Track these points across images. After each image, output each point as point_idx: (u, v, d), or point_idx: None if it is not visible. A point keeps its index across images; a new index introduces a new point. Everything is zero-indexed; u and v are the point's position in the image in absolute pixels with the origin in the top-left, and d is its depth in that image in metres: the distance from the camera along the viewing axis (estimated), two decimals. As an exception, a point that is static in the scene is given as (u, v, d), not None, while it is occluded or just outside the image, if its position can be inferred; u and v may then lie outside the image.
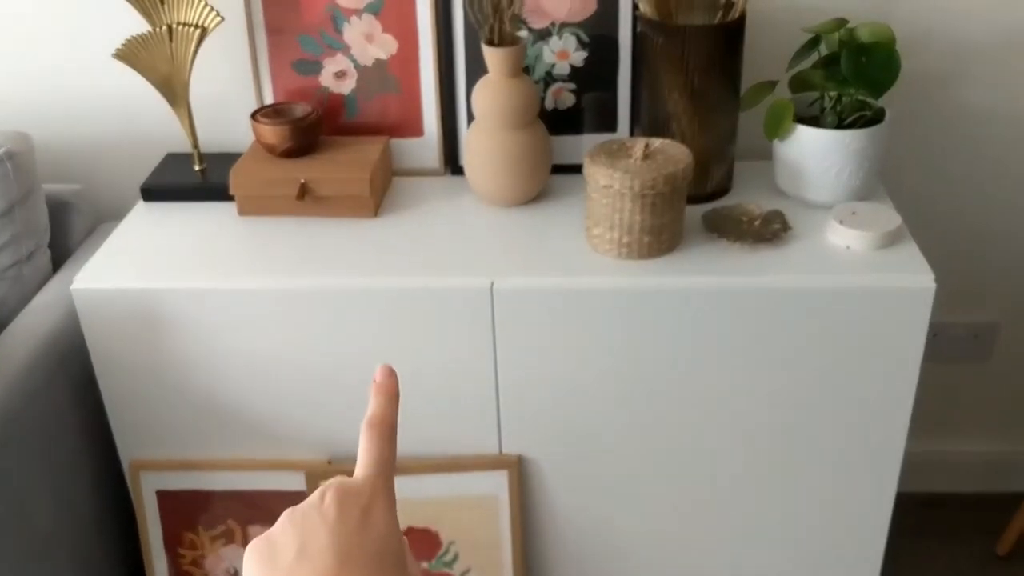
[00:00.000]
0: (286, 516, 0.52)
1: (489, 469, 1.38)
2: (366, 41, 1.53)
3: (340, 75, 1.55)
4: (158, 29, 1.42)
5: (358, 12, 1.51)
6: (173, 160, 1.60)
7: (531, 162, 1.44)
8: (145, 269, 1.36)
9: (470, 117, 1.55)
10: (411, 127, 1.57)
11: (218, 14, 1.41)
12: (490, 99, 1.42)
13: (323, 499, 0.51)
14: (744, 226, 1.38)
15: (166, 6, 1.42)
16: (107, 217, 1.68)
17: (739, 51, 1.40)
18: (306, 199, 1.44)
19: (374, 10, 1.51)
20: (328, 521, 0.50)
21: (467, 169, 1.48)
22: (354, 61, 1.54)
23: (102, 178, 1.69)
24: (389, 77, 1.55)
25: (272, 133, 1.46)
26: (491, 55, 1.39)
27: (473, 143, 1.46)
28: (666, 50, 1.39)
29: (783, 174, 1.44)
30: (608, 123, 1.55)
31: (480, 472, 1.39)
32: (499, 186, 1.45)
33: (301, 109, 1.51)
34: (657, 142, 1.36)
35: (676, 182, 1.30)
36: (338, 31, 1.52)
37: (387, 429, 0.55)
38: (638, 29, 1.44)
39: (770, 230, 1.36)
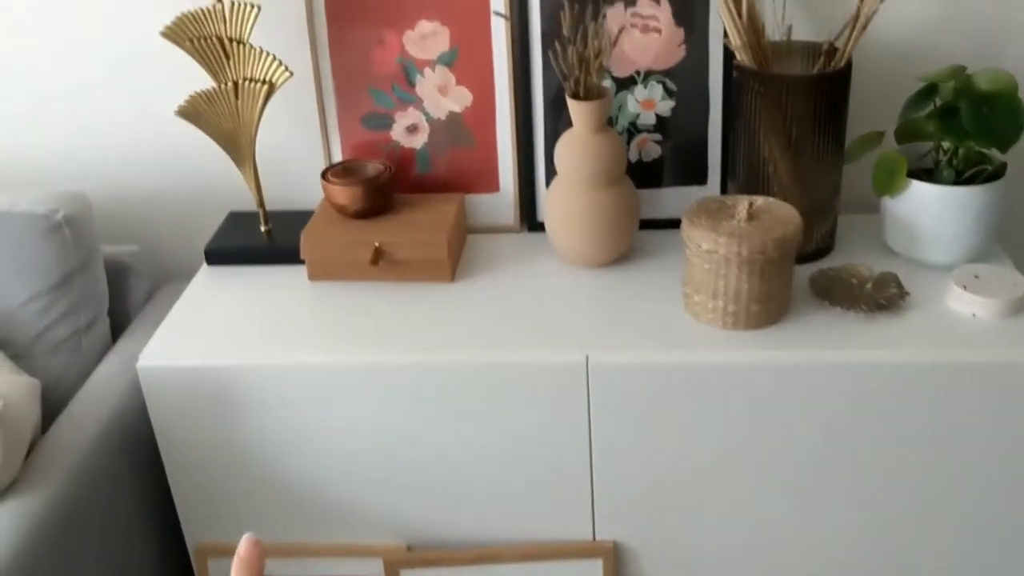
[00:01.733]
0: None
1: (582, 557, 1.28)
2: (439, 94, 1.44)
3: (412, 129, 1.47)
4: (223, 85, 1.34)
5: (431, 64, 1.43)
6: (236, 220, 1.52)
7: (619, 221, 1.35)
8: (212, 344, 1.28)
9: (548, 171, 1.46)
10: (486, 182, 1.49)
11: (287, 69, 1.33)
12: (575, 155, 1.32)
13: None
14: (855, 290, 1.27)
15: (232, 61, 1.34)
16: (167, 279, 1.61)
17: (844, 101, 1.29)
18: (380, 263, 1.36)
19: (448, 61, 1.42)
20: None
21: (549, 227, 1.39)
22: (427, 114, 1.46)
23: (161, 238, 1.61)
24: (463, 130, 1.46)
25: (344, 194, 1.37)
26: (576, 109, 1.30)
27: (556, 200, 1.36)
28: (764, 100, 1.29)
29: (894, 232, 1.34)
30: (697, 176, 1.45)
31: (572, 561, 1.29)
32: (585, 246, 1.36)
33: (373, 167, 1.43)
34: (760, 200, 1.26)
35: (786, 246, 1.20)
36: (410, 84, 1.44)
37: None
38: (733, 78, 1.35)
39: (885, 295, 1.26)
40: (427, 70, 1.43)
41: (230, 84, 1.34)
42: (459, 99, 1.44)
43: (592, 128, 1.31)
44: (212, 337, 1.29)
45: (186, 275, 1.59)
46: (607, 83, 1.39)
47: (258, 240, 1.47)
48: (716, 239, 1.19)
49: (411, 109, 1.45)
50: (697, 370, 1.19)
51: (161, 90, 1.49)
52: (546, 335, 1.25)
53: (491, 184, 1.49)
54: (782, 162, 1.32)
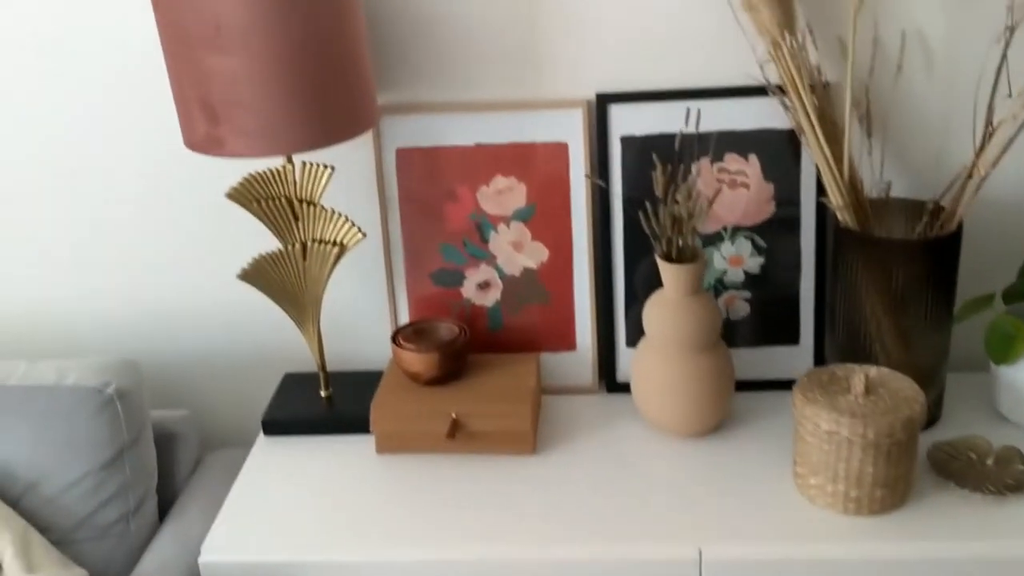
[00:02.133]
0: None
1: None
2: (514, 250, 1.36)
3: (484, 286, 1.38)
4: (291, 247, 1.26)
5: (506, 220, 1.35)
6: (294, 383, 1.42)
7: (715, 388, 1.25)
8: (277, 533, 1.17)
9: (629, 330, 1.37)
10: (562, 340, 1.40)
11: (360, 230, 1.25)
12: (667, 319, 1.24)
13: None
14: (977, 467, 1.18)
15: (301, 222, 1.26)
16: (215, 445, 1.50)
17: (955, 264, 1.22)
18: (456, 436, 1.26)
19: (524, 217, 1.35)
20: None
21: (637, 393, 1.30)
22: (500, 271, 1.38)
23: (210, 401, 1.51)
24: (538, 287, 1.38)
25: (419, 361, 1.28)
26: (669, 271, 1.22)
27: (645, 365, 1.27)
28: (868, 261, 1.21)
29: (1009, 399, 1.25)
30: (789, 335, 1.37)
31: None
32: (677, 414, 1.26)
33: (447, 329, 1.34)
34: (873, 371, 1.17)
35: (913, 427, 1.10)
36: (484, 240, 1.36)
37: None
38: (832, 236, 1.27)
39: (1011, 473, 1.16)
40: (501, 226, 1.36)
41: (298, 246, 1.26)
42: (534, 255, 1.36)
43: (685, 291, 1.23)
44: (276, 525, 1.18)
45: (236, 441, 1.49)
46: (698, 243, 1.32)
47: (318, 407, 1.37)
48: (838, 419, 1.09)
49: (483, 265, 1.37)
50: (822, 565, 1.09)
51: (217, 250, 1.41)
52: (647, 522, 1.14)
53: (567, 342, 1.40)
54: (886, 324, 1.23)
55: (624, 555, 1.10)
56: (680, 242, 1.23)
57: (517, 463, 1.26)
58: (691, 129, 1.24)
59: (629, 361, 1.38)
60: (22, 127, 1.37)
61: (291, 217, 1.26)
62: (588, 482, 1.22)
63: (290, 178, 1.25)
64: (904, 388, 1.14)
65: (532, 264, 1.37)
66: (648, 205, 1.23)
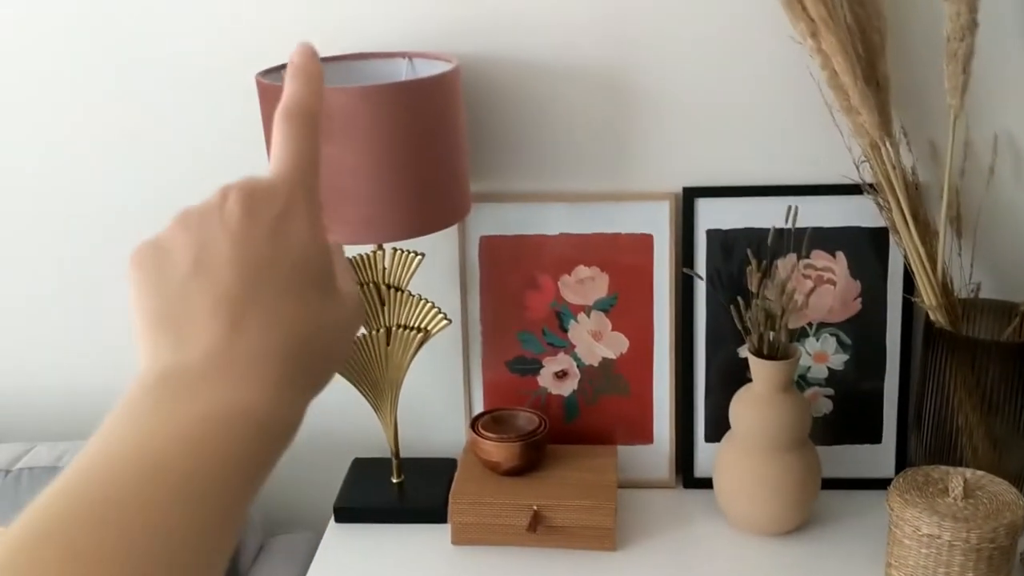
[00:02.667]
0: (178, 217, 0.42)
1: None
2: (593, 339, 1.35)
3: (561, 375, 1.37)
4: (375, 332, 1.25)
5: (587, 309, 1.35)
6: (364, 469, 1.40)
7: (800, 486, 1.23)
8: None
9: (708, 425, 1.35)
10: (639, 433, 1.38)
11: (445, 316, 1.25)
12: (756, 415, 1.22)
13: (225, 201, 0.41)
14: (1078, 577, 1.14)
15: (387, 307, 1.26)
16: (278, 530, 1.47)
17: (1050, 365, 1.21)
18: (537, 529, 1.23)
19: (605, 307, 1.34)
20: (230, 228, 0.40)
21: (720, 490, 1.27)
22: (578, 360, 1.36)
23: (277, 485, 1.47)
24: (616, 378, 1.36)
25: (500, 451, 1.26)
26: (761, 367, 1.21)
27: (729, 461, 1.25)
28: (959, 362, 1.20)
29: (1106, 507, 1.22)
30: (871, 434, 1.35)
31: None
32: (764, 513, 1.24)
33: (527, 419, 1.32)
34: (970, 473, 1.15)
35: (1016, 531, 1.08)
36: (563, 329, 1.35)
37: (308, 118, 0.44)
38: (923, 336, 1.27)
39: (1114, 584, 1.13)
40: (582, 315, 1.35)
41: (382, 331, 1.26)
42: (614, 345, 1.35)
43: (777, 387, 1.21)
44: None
45: (299, 526, 1.46)
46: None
47: (390, 495, 1.34)
48: (940, 523, 1.07)
49: (561, 354, 1.36)
50: (927, 677, 1.05)
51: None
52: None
53: (644, 435, 1.38)
54: (977, 426, 1.21)
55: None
56: (771, 337, 1.22)
57: (598, 559, 1.23)
58: (788, 224, 1.24)
59: (707, 456, 1.36)
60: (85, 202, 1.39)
61: (378, 302, 1.26)
62: (673, 581, 1.19)
63: (379, 264, 1.25)
64: (1003, 492, 1.12)
65: (611, 354, 1.36)
66: (740, 300, 1.23)
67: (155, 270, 0.41)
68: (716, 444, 1.33)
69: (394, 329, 1.26)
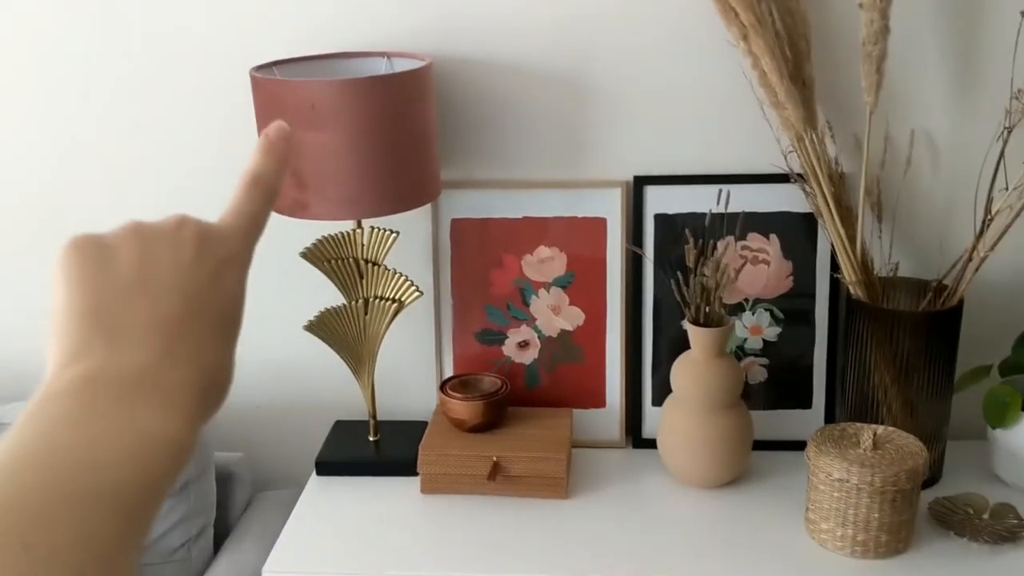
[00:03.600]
0: (131, 226, 0.43)
1: None
2: (552, 313, 1.50)
3: (523, 345, 1.52)
4: (354, 303, 1.40)
5: (547, 285, 1.49)
6: (344, 429, 1.54)
7: (734, 444, 1.37)
8: (330, 564, 1.28)
9: (655, 390, 1.50)
10: (593, 398, 1.52)
11: (417, 289, 1.39)
12: (694, 378, 1.37)
13: (180, 229, 0.44)
14: (975, 520, 1.29)
15: (365, 280, 1.40)
16: (265, 486, 1.61)
17: (956, 337, 1.35)
18: (496, 478, 1.37)
19: (563, 283, 1.49)
20: (181, 256, 0.43)
21: (663, 447, 1.42)
22: (538, 332, 1.51)
23: (264, 444, 1.62)
24: (573, 348, 1.51)
25: (464, 408, 1.40)
26: (698, 335, 1.36)
27: (672, 421, 1.40)
28: (877, 333, 1.34)
29: (1005, 461, 1.37)
30: (802, 400, 1.49)
31: None
32: (699, 467, 1.38)
33: (490, 382, 1.46)
34: (880, 429, 1.29)
35: (916, 477, 1.22)
36: (525, 303, 1.50)
37: (268, 189, 0.48)
38: (844, 309, 1.41)
39: (1006, 526, 1.27)
40: (542, 291, 1.49)
41: (360, 301, 1.40)
42: (571, 318, 1.50)
43: (712, 353, 1.36)
44: (329, 556, 1.29)
45: (286, 483, 1.60)
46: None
47: (367, 451, 1.49)
48: (848, 468, 1.21)
49: (524, 326, 1.51)
50: (834, 603, 1.19)
51: (282, 305, 1.54)
52: (669, 564, 1.25)
53: (598, 400, 1.52)
54: (893, 391, 1.36)
55: (653, 588, 1.21)
56: (707, 309, 1.36)
57: (551, 506, 1.37)
58: (720, 208, 1.39)
59: (655, 419, 1.50)
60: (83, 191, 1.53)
61: (356, 275, 1.40)
62: (615, 526, 1.33)
63: (358, 241, 1.39)
64: (909, 444, 1.27)
65: (568, 326, 1.50)
66: (680, 276, 1.37)
67: (98, 267, 0.41)
68: (660, 408, 1.47)
69: (371, 300, 1.40)
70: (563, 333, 1.51)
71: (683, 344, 1.43)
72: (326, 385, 1.58)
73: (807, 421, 1.49)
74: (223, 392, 0.44)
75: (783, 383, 1.49)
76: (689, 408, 1.37)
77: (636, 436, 1.52)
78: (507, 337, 1.51)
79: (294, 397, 1.61)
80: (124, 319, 0.41)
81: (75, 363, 0.39)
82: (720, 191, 1.38)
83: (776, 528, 1.31)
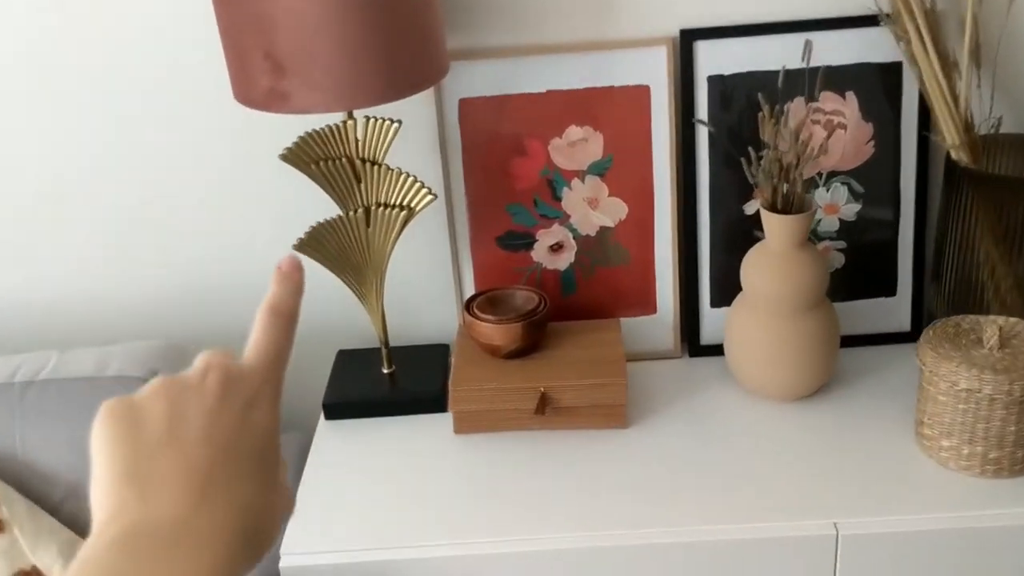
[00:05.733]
0: (158, 384, 0.45)
1: None
2: (589, 207, 1.25)
3: (556, 248, 1.27)
4: (353, 213, 1.14)
5: (580, 174, 1.24)
6: (350, 361, 1.30)
7: (821, 349, 1.16)
8: (360, 529, 1.06)
9: (714, 290, 1.27)
10: (641, 303, 1.29)
11: (430, 191, 1.13)
12: (772, 275, 1.14)
13: (204, 378, 0.45)
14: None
15: (364, 185, 1.14)
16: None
17: (1081, 202, 1.13)
18: (545, 411, 1.15)
19: (600, 170, 1.23)
20: (206, 405, 0.44)
21: (732, 356, 1.20)
22: (573, 231, 1.26)
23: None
24: (615, 247, 1.27)
25: (499, 332, 1.17)
26: (776, 224, 1.12)
27: (742, 326, 1.17)
28: (984, 204, 1.12)
29: None
30: (885, 287, 1.28)
31: None
32: (780, 378, 1.17)
33: (524, 297, 1.22)
34: (1002, 321, 1.08)
35: (1058, 380, 1.02)
36: (556, 198, 1.25)
37: (287, 318, 0.49)
38: (936, 180, 1.18)
39: None
40: (575, 181, 1.24)
41: (360, 211, 1.14)
42: (612, 212, 1.25)
43: (793, 244, 1.12)
44: (357, 520, 1.07)
45: (287, 425, 1.37)
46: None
47: (383, 387, 1.25)
48: (979, 375, 1.00)
49: (556, 226, 1.26)
50: (968, 533, 1.00)
51: (265, 219, 1.28)
52: (768, 497, 1.05)
53: (646, 305, 1.29)
54: (1002, 269, 1.15)
55: (747, 535, 1.01)
56: (784, 190, 1.12)
57: (609, 438, 1.16)
58: (802, 63, 1.13)
59: (714, 322, 1.28)
60: (44, 99, 1.23)
61: (353, 179, 1.14)
62: (690, 456, 1.12)
63: (351, 136, 1.12)
64: (1042, 339, 1.06)
65: (609, 222, 1.26)
66: (751, 151, 1.13)
67: (130, 428, 0.43)
68: (723, 309, 1.25)
69: (373, 208, 1.14)
70: (603, 231, 1.26)
71: (744, 233, 1.21)
72: (322, 308, 1.33)
73: (891, 311, 1.28)
74: (267, 532, 0.44)
75: (864, 269, 1.27)
76: (766, 310, 1.15)
77: (693, 343, 1.30)
78: (536, 240, 1.27)
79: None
80: (156, 474, 0.42)
81: (115, 521, 0.41)
82: (807, 42, 1.12)
83: (882, 443, 1.11)
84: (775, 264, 1.14)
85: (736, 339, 1.19)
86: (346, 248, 1.16)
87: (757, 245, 1.16)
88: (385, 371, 1.26)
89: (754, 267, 1.16)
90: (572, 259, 1.28)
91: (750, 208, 1.24)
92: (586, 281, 1.28)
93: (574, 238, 1.27)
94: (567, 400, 1.15)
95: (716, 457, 1.11)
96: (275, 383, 0.47)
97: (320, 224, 1.14)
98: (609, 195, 1.25)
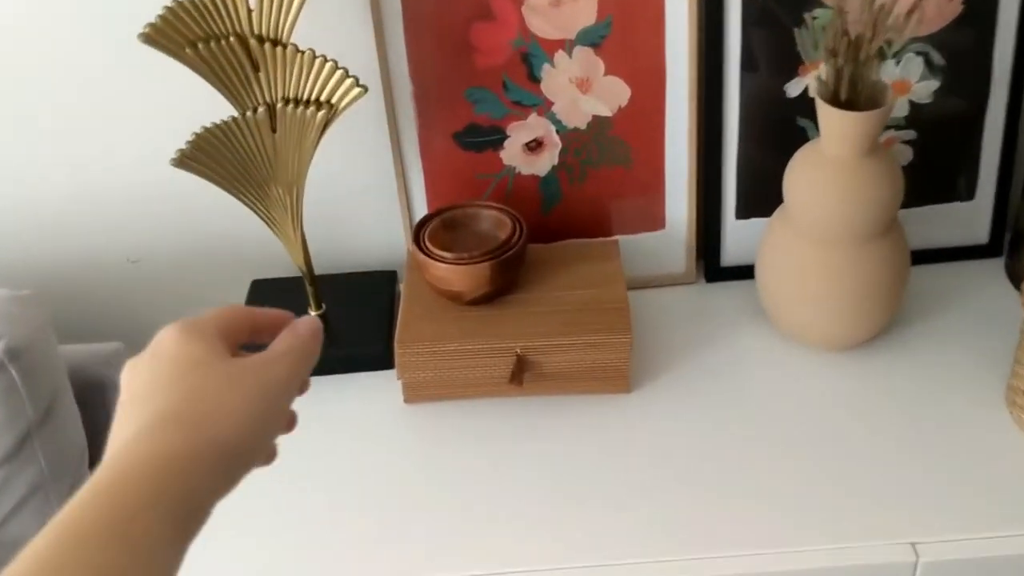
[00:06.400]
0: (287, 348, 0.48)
1: None
2: (578, 90, 0.93)
3: (534, 147, 0.95)
4: (250, 113, 0.81)
5: (567, 45, 0.90)
6: (268, 294, 1.00)
7: (887, 285, 0.87)
8: (286, 524, 0.79)
9: (741, 198, 0.97)
10: (646, 216, 0.99)
11: (357, 82, 0.80)
12: (830, 191, 0.84)
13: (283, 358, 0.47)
14: None
15: (265, 76, 0.81)
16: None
17: None
18: (522, 380, 0.86)
19: (593, 39, 0.90)
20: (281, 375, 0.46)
21: (766, 289, 0.92)
22: (557, 123, 0.94)
23: (151, 327, 1.07)
24: (613, 143, 0.95)
25: (460, 276, 0.86)
26: (837, 122, 0.81)
27: (783, 252, 0.88)
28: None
29: None
30: (962, 190, 0.98)
31: None
32: (833, 323, 0.89)
33: (493, 220, 0.92)
34: None
35: None
36: (534, 78, 0.92)
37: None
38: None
39: None
40: (560, 55, 0.91)
41: (261, 110, 0.81)
42: (609, 96, 0.93)
43: (861, 148, 0.82)
44: (281, 512, 0.80)
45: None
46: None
47: (310, 334, 0.95)
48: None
49: (533, 116, 0.94)
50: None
51: (124, 121, 0.94)
52: (818, 506, 0.78)
53: (653, 219, 0.99)
54: None
55: (791, 565, 0.75)
56: (850, 73, 0.81)
57: (606, 405, 0.88)
58: None
59: (739, 238, 0.99)
60: None
61: (249, 67, 0.80)
62: (710, 437, 0.85)
63: (241, 5, 0.78)
64: None
65: (605, 110, 0.94)
66: (808, 17, 0.80)
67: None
68: (752, 222, 0.96)
69: (280, 107, 0.81)
70: (597, 123, 0.94)
71: (786, 124, 0.91)
72: (225, 226, 1.02)
73: (966, 219, 0.99)
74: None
75: (935, 167, 0.97)
76: (819, 234, 0.86)
77: (711, 265, 1.01)
78: (506, 136, 0.95)
79: (182, 249, 1.04)
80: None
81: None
82: None
83: (959, 406, 0.85)
84: (834, 176, 0.83)
85: (773, 267, 0.90)
86: (245, 160, 0.84)
87: (808, 146, 0.86)
88: (313, 314, 0.96)
89: (804, 177, 0.85)
90: (555, 161, 0.96)
91: (794, 88, 0.92)
92: (574, 189, 0.98)
93: (558, 132, 0.95)
94: (551, 364, 0.87)
95: (746, 436, 0.84)
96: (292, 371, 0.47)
97: (207, 130, 0.81)
98: (605, 73, 0.92)
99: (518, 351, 0.85)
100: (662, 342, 0.94)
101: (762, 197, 0.95)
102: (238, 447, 0.43)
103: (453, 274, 0.86)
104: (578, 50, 0.91)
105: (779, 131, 0.93)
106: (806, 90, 0.92)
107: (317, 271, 0.96)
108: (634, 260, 0.99)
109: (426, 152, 0.95)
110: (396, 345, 0.86)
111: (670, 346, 0.94)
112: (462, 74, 0.91)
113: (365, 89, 0.81)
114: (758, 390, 0.89)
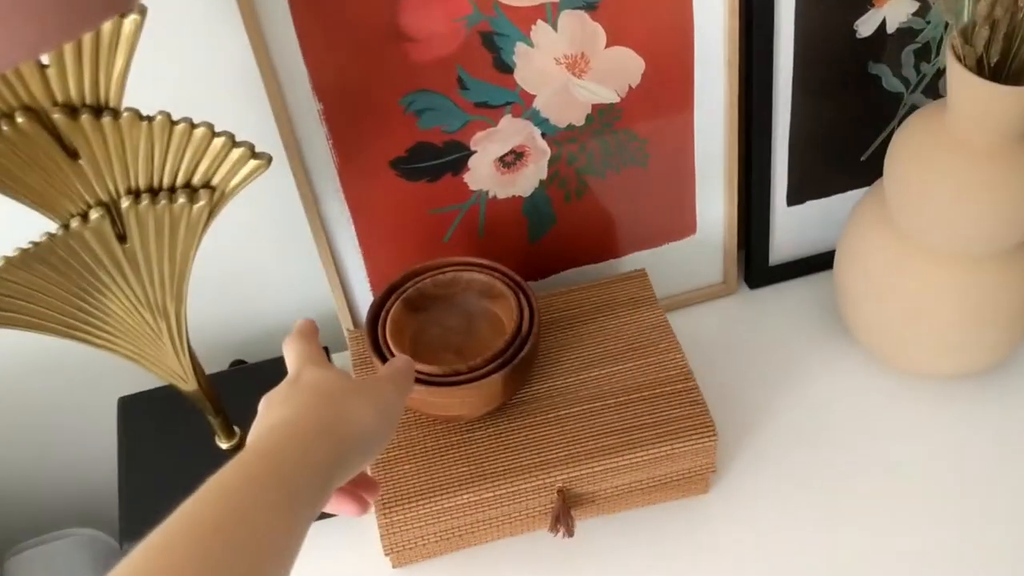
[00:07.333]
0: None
1: None
2: (569, 73, 0.62)
3: (513, 160, 0.65)
4: (76, 223, 0.48)
5: (547, 12, 0.59)
6: (139, 418, 0.68)
7: (1015, 309, 0.63)
8: None
9: (796, 174, 0.70)
10: (672, 224, 0.72)
11: (253, 152, 0.48)
12: (962, 189, 0.58)
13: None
14: None
15: (88, 162, 0.47)
16: (13, 544, 0.76)
17: None
18: (569, 521, 0.60)
19: (588, 0, 0.59)
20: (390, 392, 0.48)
21: (849, 307, 0.67)
22: (543, 123, 0.64)
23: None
24: (623, 139, 0.66)
25: (462, 400, 0.57)
26: (985, 96, 0.54)
27: (891, 268, 0.63)
28: None
29: None
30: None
31: None
32: (959, 351, 0.65)
33: (480, 284, 0.62)
34: None
35: None
36: (503, 66, 0.60)
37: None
38: None
39: None
40: (538, 27, 0.59)
41: (95, 215, 0.48)
42: (615, 74, 0.63)
43: (1007, 133, 0.55)
44: None
45: (49, 527, 0.77)
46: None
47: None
48: None
49: (507, 119, 0.63)
50: None
51: None
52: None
53: (682, 225, 0.71)
54: None
55: None
56: (1013, 37, 0.53)
57: (684, 515, 0.63)
58: None
59: (790, 230, 0.73)
60: None
61: (56, 153, 0.46)
62: (828, 517, 0.61)
63: (30, 65, 0.43)
64: None
65: (610, 95, 0.63)
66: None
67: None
68: (808, 207, 0.71)
69: (125, 206, 0.48)
70: (599, 113, 0.64)
71: (857, 75, 0.65)
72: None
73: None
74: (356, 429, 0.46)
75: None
76: (940, 243, 0.60)
77: (757, 266, 0.74)
78: (471, 152, 0.64)
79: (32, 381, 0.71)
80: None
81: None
82: None
83: None
84: (970, 170, 0.57)
85: (865, 276, 0.65)
86: (82, 293, 0.51)
87: (922, 121, 0.59)
88: (224, 445, 0.66)
89: (926, 167, 0.59)
90: (543, 174, 0.66)
91: (866, 26, 0.64)
92: (570, 208, 0.68)
93: (544, 136, 0.64)
94: (605, 491, 0.60)
95: (880, 514, 0.61)
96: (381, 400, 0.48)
97: (8, 260, 0.48)
98: (608, 45, 0.61)
99: (559, 486, 0.58)
100: (721, 391, 0.68)
101: (820, 175, 0.69)
102: (368, 441, 0.45)
103: (447, 397, 0.57)
104: (565, 16, 0.59)
105: (845, 81, 0.66)
106: (882, 26, 0.64)
107: (244, 356, 0.66)
108: (658, 277, 0.71)
109: (352, 193, 0.63)
110: (376, 509, 0.57)
111: (732, 394, 0.68)
112: (392, 76, 0.59)
113: (268, 161, 0.48)
114: (873, 443, 0.65)
